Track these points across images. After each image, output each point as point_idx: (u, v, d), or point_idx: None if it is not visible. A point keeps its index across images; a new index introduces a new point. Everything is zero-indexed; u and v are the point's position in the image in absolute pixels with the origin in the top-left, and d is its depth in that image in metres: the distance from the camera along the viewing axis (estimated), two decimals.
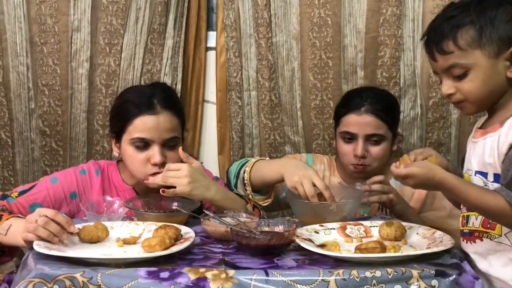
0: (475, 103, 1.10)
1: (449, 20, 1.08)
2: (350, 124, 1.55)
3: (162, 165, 1.36)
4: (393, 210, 1.44)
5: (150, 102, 1.38)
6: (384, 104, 1.57)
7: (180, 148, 1.36)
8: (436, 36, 1.09)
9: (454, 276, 1.02)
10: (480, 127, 1.14)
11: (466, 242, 1.14)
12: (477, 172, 1.11)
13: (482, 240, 1.11)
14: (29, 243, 1.10)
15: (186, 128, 1.93)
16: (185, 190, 1.29)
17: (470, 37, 1.06)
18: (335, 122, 1.63)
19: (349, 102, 1.58)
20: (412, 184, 1.07)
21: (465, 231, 1.15)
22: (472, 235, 1.13)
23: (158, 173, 1.36)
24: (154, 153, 1.36)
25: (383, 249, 1.09)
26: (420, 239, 1.18)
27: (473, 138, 1.14)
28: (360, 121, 1.53)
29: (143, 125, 1.36)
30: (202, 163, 1.57)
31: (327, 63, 1.86)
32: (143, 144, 1.37)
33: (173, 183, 1.29)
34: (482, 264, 1.10)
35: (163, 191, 1.30)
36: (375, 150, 1.55)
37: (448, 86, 1.10)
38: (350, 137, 1.55)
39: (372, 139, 1.54)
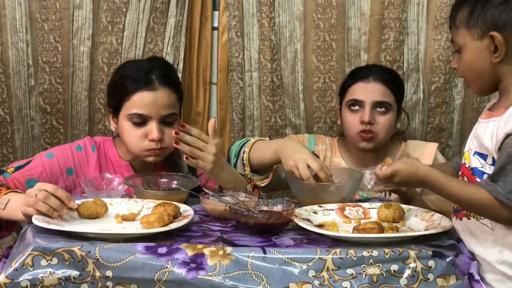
0: (472, 83, 1.12)
1: None
2: (357, 92, 1.56)
3: (159, 141, 1.36)
4: (405, 196, 1.39)
5: (148, 78, 1.37)
6: (391, 75, 1.60)
7: (213, 119, 1.34)
8: (450, 12, 1.14)
9: (451, 257, 1.02)
10: (490, 109, 1.14)
11: (456, 219, 1.15)
12: (476, 153, 1.11)
13: (469, 219, 1.11)
14: (28, 217, 1.11)
15: (198, 111, 1.93)
16: (207, 167, 1.30)
17: (463, 17, 1.08)
18: (341, 97, 1.63)
19: (356, 74, 1.61)
20: (398, 182, 1.09)
21: (454, 207, 1.16)
22: (459, 212, 1.14)
23: (155, 149, 1.36)
24: (152, 129, 1.36)
25: (381, 229, 1.09)
26: (419, 221, 1.18)
27: (480, 118, 1.15)
28: (367, 88, 1.55)
29: (141, 101, 1.36)
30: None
31: (331, 45, 1.84)
32: (140, 120, 1.37)
33: (199, 157, 1.29)
34: (470, 244, 1.11)
35: (187, 158, 1.29)
36: (382, 119, 1.55)
37: (454, 60, 1.13)
38: (357, 106, 1.55)
39: (379, 107, 1.54)
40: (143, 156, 1.39)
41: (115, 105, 1.41)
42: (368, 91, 1.54)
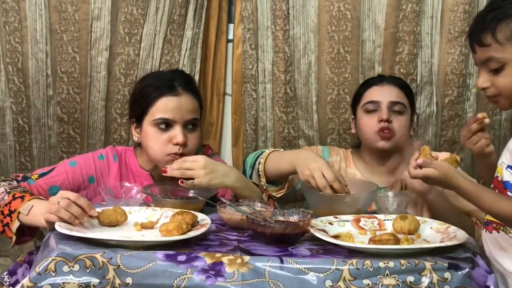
0: (509, 99, 1.09)
1: (492, 11, 1.07)
2: (373, 94, 1.59)
3: (183, 145, 1.39)
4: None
5: (172, 84, 1.42)
6: (402, 81, 1.65)
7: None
8: (477, 27, 1.09)
9: (467, 270, 1.03)
10: None
11: (486, 232, 1.15)
12: (508, 167, 1.11)
13: (498, 232, 1.11)
14: (51, 224, 1.13)
15: (211, 121, 1.95)
16: (203, 182, 1.32)
17: (509, 31, 1.04)
18: (355, 105, 1.65)
19: (369, 81, 1.65)
20: (431, 184, 1.11)
21: (485, 219, 1.16)
22: (489, 225, 1.14)
23: (176, 154, 1.39)
24: (177, 133, 1.39)
25: (397, 241, 1.10)
26: (434, 233, 1.19)
27: None
28: (383, 90, 1.59)
29: (166, 106, 1.40)
30: (214, 155, 1.59)
31: (345, 57, 1.86)
32: (165, 125, 1.40)
33: (191, 175, 1.32)
34: (499, 256, 1.11)
35: (182, 182, 1.32)
36: (399, 120, 1.57)
37: (483, 79, 1.10)
38: (373, 108, 1.57)
39: (395, 108, 1.57)
40: (165, 163, 1.40)
41: (138, 114, 1.44)
42: (384, 92, 1.57)
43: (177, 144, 1.39)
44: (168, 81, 1.42)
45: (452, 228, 1.18)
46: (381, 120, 1.54)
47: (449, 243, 1.09)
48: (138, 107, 1.44)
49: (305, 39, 1.87)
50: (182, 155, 1.40)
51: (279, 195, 1.52)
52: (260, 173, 1.50)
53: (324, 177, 1.31)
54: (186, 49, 1.88)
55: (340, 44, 1.86)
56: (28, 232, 1.26)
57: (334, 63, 1.86)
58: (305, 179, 1.35)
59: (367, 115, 1.58)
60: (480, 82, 1.11)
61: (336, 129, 1.90)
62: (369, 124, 1.57)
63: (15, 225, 1.21)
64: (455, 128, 1.88)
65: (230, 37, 1.94)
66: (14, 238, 1.22)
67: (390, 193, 1.34)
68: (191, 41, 1.88)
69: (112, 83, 1.90)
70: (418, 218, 1.23)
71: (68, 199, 1.12)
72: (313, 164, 1.34)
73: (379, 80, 1.62)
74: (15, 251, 1.95)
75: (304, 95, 1.89)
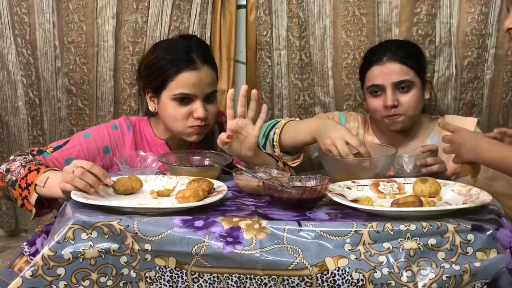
0: None
1: None
2: (375, 77, 1.52)
3: (203, 119, 1.39)
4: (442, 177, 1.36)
5: (190, 57, 1.39)
6: (405, 50, 1.54)
7: (256, 97, 1.33)
8: None
9: (491, 231, 1.00)
10: None
11: None
12: None
13: None
14: (66, 194, 1.13)
15: (222, 88, 1.92)
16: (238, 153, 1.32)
17: None
18: (361, 82, 1.60)
19: (370, 57, 1.56)
20: (455, 141, 1.10)
21: None
22: None
23: (199, 126, 1.38)
24: (197, 107, 1.38)
25: (421, 203, 1.08)
26: (456, 196, 1.16)
27: None
28: (384, 71, 1.51)
29: (186, 81, 1.38)
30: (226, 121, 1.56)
31: (361, 20, 1.80)
32: (185, 100, 1.39)
33: (233, 147, 1.31)
34: None
35: (230, 137, 1.29)
36: (406, 98, 1.51)
37: (511, 20, 1.09)
38: (378, 90, 1.52)
39: (400, 86, 1.51)
40: (186, 134, 1.41)
41: (155, 86, 1.41)
42: (385, 74, 1.50)
43: (198, 118, 1.38)
44: (185, 53, 1.39)
45: (475, 190, 1.15)
46: (386, 107, 1.50)
47: (472, 205, 1.06)
48: (155, 79, 1.41)
49: (320, 2, 1.81)
50: (204, 126, 1.39)
51: (294, 165, 1.49)
52: (274, 143, 1.47)
53: (348, 144, 1.28)
54: (195, 15, 1.84)
55: (355, 6, 1.79)
56: (47, 205, 1.26)
57: (350, 26, 1.81)
58: (326, 148, 1.32)
59: (374, 98, 1.53)
60: (507, 22, 1.09)
61: (352, 95, 1.85)
62: (377, 108, 1.53)
63: (33, 198, 1.21)
64: (474, 90, 1.83)
65: (241, 2, 1.88)
66: (34, 210, 1.22)
67: (406, 154, 1.30)
68: (200, 6, 1.83)
69: (120, 52, 1.86)
70: (439, 180, 1.20)
71: (83, 167, 1.11)
72: (334, 132, 1.31)
73: (380, 55, 1.52)
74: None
75: (320, 60, 1.84)
